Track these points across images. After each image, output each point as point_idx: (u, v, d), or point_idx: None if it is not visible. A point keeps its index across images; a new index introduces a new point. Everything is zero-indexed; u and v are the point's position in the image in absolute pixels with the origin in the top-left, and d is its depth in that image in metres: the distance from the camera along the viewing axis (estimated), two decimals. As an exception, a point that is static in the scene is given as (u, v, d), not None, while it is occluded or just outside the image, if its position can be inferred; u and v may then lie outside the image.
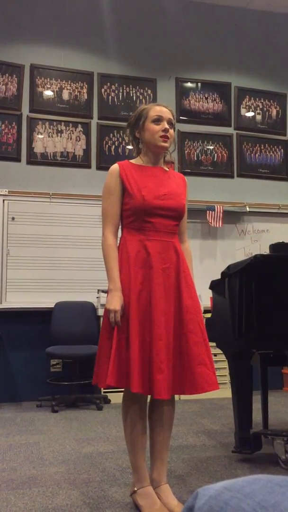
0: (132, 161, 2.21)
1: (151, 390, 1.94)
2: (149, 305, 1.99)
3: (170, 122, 2.15)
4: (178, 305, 2.05)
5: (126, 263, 2.07)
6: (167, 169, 2.24)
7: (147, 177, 2.14)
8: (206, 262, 5.30)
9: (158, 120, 2.13)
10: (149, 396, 2.09)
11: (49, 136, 5.22)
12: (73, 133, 5.29)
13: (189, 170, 5.42)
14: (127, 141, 5.30)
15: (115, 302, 1.99)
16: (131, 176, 2.12)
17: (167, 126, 2.13)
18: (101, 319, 4.74)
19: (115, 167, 2.16)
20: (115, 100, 5.46)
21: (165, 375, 1.93)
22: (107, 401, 4.57)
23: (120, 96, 5.48)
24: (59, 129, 5.26)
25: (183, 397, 4.31)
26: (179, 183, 2.22)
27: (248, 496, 0.53)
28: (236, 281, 2.57)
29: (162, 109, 2.17)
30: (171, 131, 2.15)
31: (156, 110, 2.15)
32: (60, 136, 5.25)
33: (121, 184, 2.13)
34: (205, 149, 5.67)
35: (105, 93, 5.44)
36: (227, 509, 0.53)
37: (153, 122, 2.13)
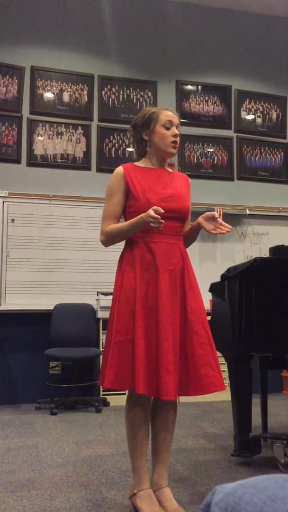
0: (136, 163, 2.22)
1: (158, 392, 1.93)
2: (155, 307, 2.00)
3: (177, 127, 2.18)
4: (182, 306, 2.06)
5: (131, 265, 2.07)
6: (171, 170, 2.24)
7: (152, 179, 2.14)
8: (206, 265, 5.30)
9: (169, 125, 2.15)
10: (151, 399, 2.09)
11: (49, 138, 5.22)
12: (73, 135, 5.30)
13: (189, 173, 5.40)
14: (127, 143, 5.31)
15: (143, 215, 1.98)
16: (136, 179, 2.13)
17: (177, 132, 2.16)
18: (101, 321, 4.76)
19: (119, 169, 2.17)
20: (116, 102, 5.46)
21: (172, 376, 1.93)
22: (106, 403, 4.57)
23: (121, 99, 5.48)
24: (59, 131, 5.27)
25: (182, 399, 4.31)
26: (182, 184, 2.23)
27: (260, 491, 0.57)
28: (235, 284, 2.56)
29: (172, 114, 2.19)
30: (178, 137, 2.18)
31: (168, 115, 2.17)
32: (60, 138, 5.26)
33: (125, 187, 2.13)
34: (205, 151, 5.67)
35: (106, 95, 5.44)
36: (241, 503, 0.57)
37: (163, 127, 2.15)
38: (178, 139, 2.17)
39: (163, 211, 1.94)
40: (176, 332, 2.01)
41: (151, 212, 1.93)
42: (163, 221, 1.93)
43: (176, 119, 2.19)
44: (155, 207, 1.95)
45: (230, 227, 2.12)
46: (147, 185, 2.11)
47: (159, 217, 1.92)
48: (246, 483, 0.61)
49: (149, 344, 1.97)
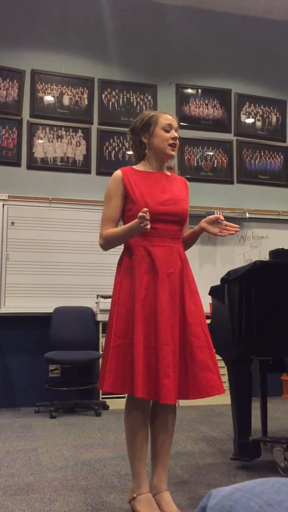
0: (135, 167, 2.22)
1: (157, 395, 1.93)
2: (154, 310, 1.99)
3: (176, 131, 2.19)
4: (182, 310, 2.05)
5: (130, 269, 2.07)
6: (169, 174, 2.25)
7: (150, 183, 2.14)
8: (206, 268, 5.30)
9: (168, 127, 2.16)
10: (150, 403, 2.09)
11: (49, 141, 5.23)
12: (73, 138, 5.30)
13: (189, 176, 5.41)
14: (127, 146, 5.31)
15: (136, 219, 1.97)
16: (134, 182, 2.13)
17: (176, 134, 2.17)
18: (100, 324, 4.75)
19: (118, 173, 2.17)
20: (116, 105, 5.47)
21: (171, 379, 1.93)
22: (105, 407, 4.56)
23: (121, 102, 5.49)
24: (59, 134, 5.27)
25: (181, 403, 4.30)
26: (181, 187, 2.23)
27: (257, 495, 0.57)
28: (235, 287, 2.56)
29: (171, 117, 2.20)
30: (177, 140, 2.19)
31: (167, 118, 2.18)
32: (60, 141, 5.26)
33: (123, 190, 2.13)
34: (205, 155, 5.68)
35: (106, 98, 5.45)
36: (237, 507, 0.56)
37: (163, 129, 2.16)
38: (177, 142, 2.18)
39: (147, 209, 1.94)
40: (176, 335, 2.01)
41: (140, 213, 1.94)
42: (148, 217, 1.93)
43: (175, 122, 2.20)
44: (144, 208, 1.95)
45: (238, 226, 2.12)
46: (145, 188, 2.11)
47: (145, 215, 1.92)
48: (242, 487, 0.60)
49: (148, 348, 1.96)
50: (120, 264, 2.14)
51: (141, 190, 2.11)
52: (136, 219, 1.97)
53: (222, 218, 2.10)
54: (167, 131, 2.15)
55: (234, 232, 2.10)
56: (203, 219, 2.14)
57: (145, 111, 2.29)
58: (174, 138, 2.16)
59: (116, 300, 2.07)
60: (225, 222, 2.10)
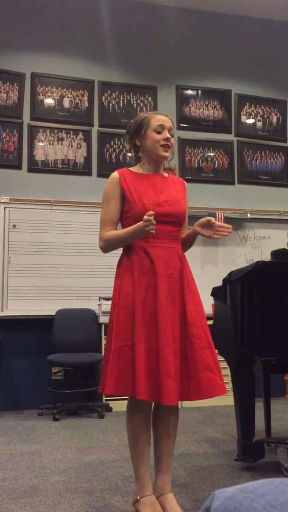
0: (132, 168, 2.22)
1: (158, 397, 1.92)
2: (155, 312, 1.99)
3: (170, 131, 2.17)
4: (182, 310, 2.05)
5: (130, 270, 2.06)
6: (167, 175, 2.24)
7: (147, 184, 2.14)
8: (207, 269, 5.30)
9: (160, 129, 2.14)
10: (152, 405, 2.08)
11: (50, 144, 5.23)
12: (74, 141, 5.31)
13: (190, 177, 5.42)
14: (127, 148, 5.32)
15: (140, 222, 1.97)
16: (131, 184, 2.13)
17: (168, 135, 2.14)
18: (103, 326, 4.75)
19: (115, 174, 2.17)
20: (116, 107, 5.48)
21: (173, 381, 1.92)
22: (109, 409, 4.55)
23: (121, 104, 5.50)
24: (60, 137, 5.28)
25: (185, 404, 4.30)
26: (178, 188, 2.22)
27: (260, 496, 0.56)
28: (237, 287, 2.56)
29: (163, 117, 2.18)
30: (172, 140, 2.16)
31: (158, 118, 2.16)
32: (61, 144, 5.27)
33: (121, 192, 2.13)
34: (206, 156, 5.68)
35: (106, 100, 5.46)
36: (240, 508, 0.56)
37: (154, 131, 2.14)
38: (170, 142, 2.15)
39: (153, 212, 1.94)
40: (176, 336, 2.00)
41: (145, 216, 1.93)
42: (154, 222, 1.92)
43: (168, 122, 2.17)
44: (149, 212, 1.94)
45: (230, 226, 2.10)
46: (142, 190, 2.11)
47: (151, 219, 1.91)
48: (245, 488, 0.60)
49: (149, 350, 1.95)
50: (120, 266, 2.14)
51: (138, 192, 2.11)
52: (140, 222, 1.96)
53: (213, 220, 2.07)
54: (159, 132, 2.14)
55: (227, 233, 2.08)
56: (196, 222, 2.12)
57: (140, 113, 2.28)
58: (166, 139, 2.13)
59: (116, 302, 2.07)
60: (217, 223, 2.07)
